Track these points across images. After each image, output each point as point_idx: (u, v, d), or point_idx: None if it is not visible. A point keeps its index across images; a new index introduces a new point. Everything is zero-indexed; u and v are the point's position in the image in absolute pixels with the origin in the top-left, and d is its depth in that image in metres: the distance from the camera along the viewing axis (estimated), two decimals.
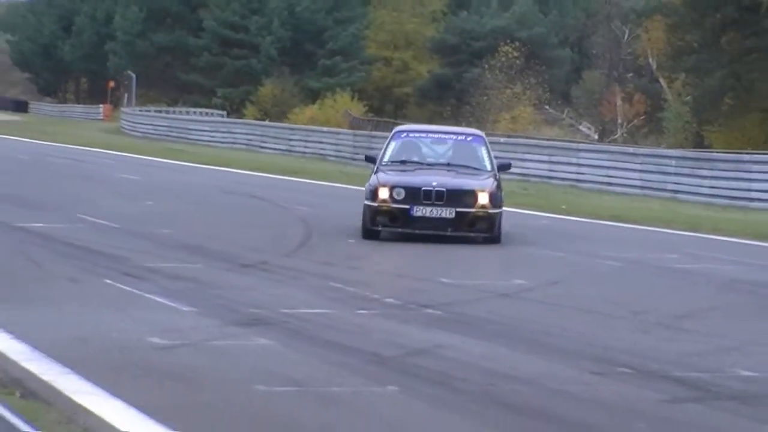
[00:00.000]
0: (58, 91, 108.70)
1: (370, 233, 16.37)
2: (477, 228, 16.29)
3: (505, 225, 16.77)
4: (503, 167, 17.96)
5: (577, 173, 36.42)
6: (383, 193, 16.17)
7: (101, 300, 10.02)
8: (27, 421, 2.45)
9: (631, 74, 74.21)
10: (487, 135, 20.90)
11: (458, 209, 15.85)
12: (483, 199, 16.17)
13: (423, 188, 16.14)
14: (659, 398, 6.51)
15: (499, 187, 16.83)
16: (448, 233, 16.19)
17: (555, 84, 76.94)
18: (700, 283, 14.28)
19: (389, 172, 17.25)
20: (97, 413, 5.24)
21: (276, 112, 71.72)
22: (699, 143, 52.53)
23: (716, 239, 20.33)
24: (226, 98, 79.11)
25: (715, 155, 37.98)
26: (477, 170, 17.36)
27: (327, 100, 70.65)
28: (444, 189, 16.19)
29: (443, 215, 16.01)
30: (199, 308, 9.77)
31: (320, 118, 64.54)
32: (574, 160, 37.24)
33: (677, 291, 13.73)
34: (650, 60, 67.35)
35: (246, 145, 53.17)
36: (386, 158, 17.74)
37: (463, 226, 16.18)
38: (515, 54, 70.09)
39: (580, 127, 72.08)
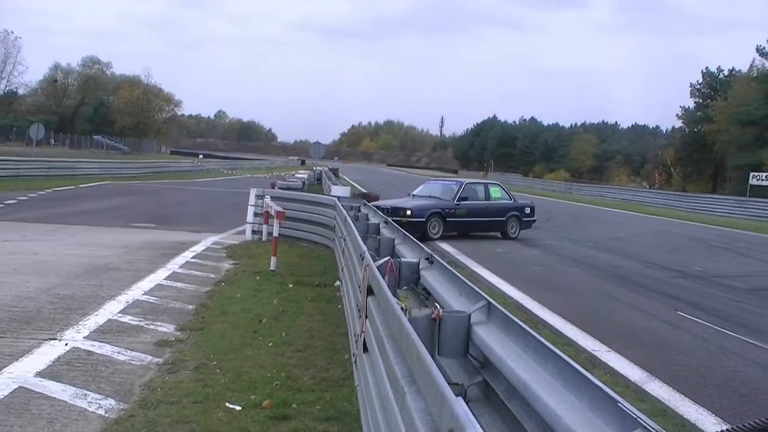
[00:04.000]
0: None
1: None
2: (407, 229, 20.13)
3: None
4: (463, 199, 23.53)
5: None
6: None
7: None
8: None
9: None
10: None
11: (394, 218, 18.16)
12: (408, 211, 21.94)
13: (381, 206, 20.41)
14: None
15: (439, 207, 22.95)
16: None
17: None
18: None
19: (391, 200, 25.32)
20: None
21: None
22: None
23: None
24: None
25: None
26: (440, 199, 23.57)
27: None
28: (389, 206, 21.91)
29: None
30: None
31: None
32: None
33: None
34: None
35: None
36: (413, 193, 25.35)
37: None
38: None
39: None
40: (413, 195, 24.96)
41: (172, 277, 12.82)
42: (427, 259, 6.84)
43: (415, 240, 8.46)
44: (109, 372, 7.23)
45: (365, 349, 5.59)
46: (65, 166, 48.19)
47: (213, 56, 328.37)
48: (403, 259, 7.24)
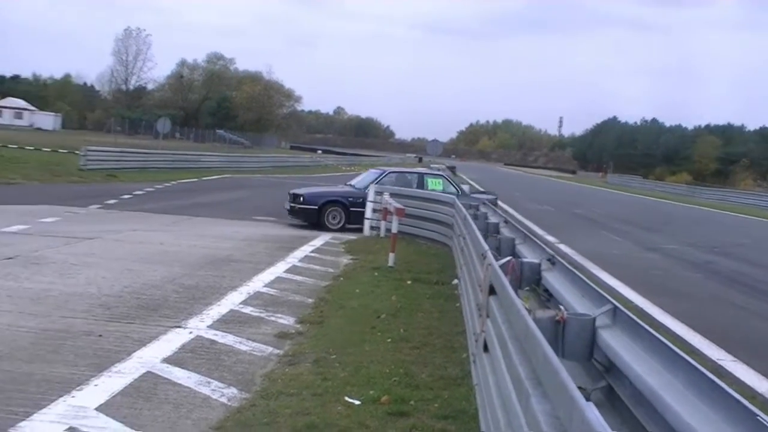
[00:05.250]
0: None
1: None
2: (300, 216, 21.03)
3: None
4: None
5: None
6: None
7: None
8: None
9: None
10: None
11: (292, 204, 20.79)
12: (301, 198, 21.04)
13: (291, 192, 21.75)
14: None
15: (342, 195, 21.43)
16: (289, 219, 21.35)
17: None
18: None
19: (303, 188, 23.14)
20: None
21: None
22: None
23: None
24: None
25: None
26: (353, 187, 22.07)
27: None
28: (293, 193, 21.54)
29: (287, 207, 21.31)
30: None
31: None
32: None
33: None
34: None
35: None
36: (350, 182, 23.38)
37: (295, 214, 21.15)
38: None
39: None
40: (346, 184, 23.28)
41: (292, 270, 13.03)
42: (549, 260, 6.77)
43: (536, 240, 8.37)
44: (231, 361, 7.39)
45: (485, 349, 5.57)
46: (189, 159, 49.49)
47: (333, 53, 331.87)
48: (524, 260, 7.18)
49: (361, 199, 20.59)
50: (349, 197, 21.23)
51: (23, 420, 5.41)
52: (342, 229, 20.41)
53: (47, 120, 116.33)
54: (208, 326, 8.62)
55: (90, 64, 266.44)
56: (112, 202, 23.17)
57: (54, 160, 40.71)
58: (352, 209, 20.89)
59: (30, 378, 6.35)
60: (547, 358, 3.27)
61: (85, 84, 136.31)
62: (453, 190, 21.77)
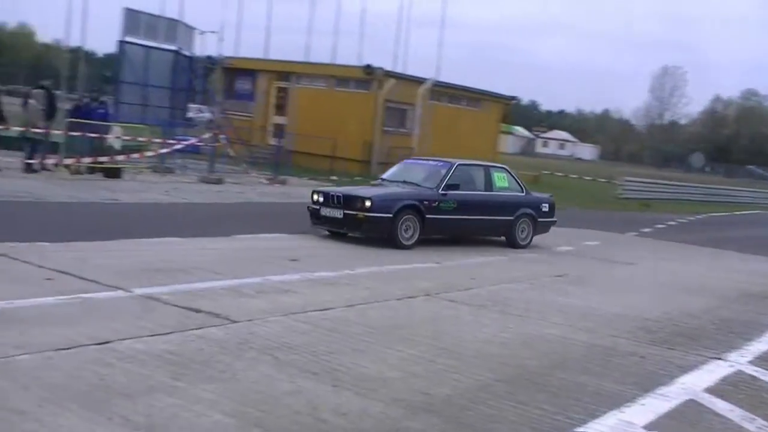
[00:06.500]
0: None
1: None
2: (363, 228, 14.98)
3: None
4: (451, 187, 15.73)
5: None
6: (313, 197, 15.61)
7: None
8: None
9: None
10: None
11: (346, 211, 14.84)
12: (367, 203, 14.76)
13: (330, 193, 15.48)
14: None
15: (417, 198, 15.28)
16: (343, 231, 15.38)
17: None
18: None
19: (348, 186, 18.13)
20: None
21: None
22: None
23: None
24: None
25: None
26: (418, 186, 15.94)
27: None
28: (341, 194, 15.34)
29: (336, 215, 15.06)
30: None
31: None
32: None
33: None
34: None
35: None
36: (383, 176, 17.39)
37: (351, 226, 15.09)
38: None
39: None
40: (383, 180, 17.07)
41: None
42: None
43: None
44: None
45: None
46: (720, 192, 48.82)
47: None
48: None
49: (436, 203, 15.54)
50: (424, 200, 15.43)
51: (578, 427, 5.62)
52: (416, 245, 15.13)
53: (586, 151, 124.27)
54: (748, 361, 8.26)
55: (626, 100, 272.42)
56: (646, 230, 23.62)
57: (593, 188, 42.58)
58: (427, 216, 15.35)
59: (583, 389, 6.59)
60: None
61: (621, 118, 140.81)
62: (516, 185, 17.33)
